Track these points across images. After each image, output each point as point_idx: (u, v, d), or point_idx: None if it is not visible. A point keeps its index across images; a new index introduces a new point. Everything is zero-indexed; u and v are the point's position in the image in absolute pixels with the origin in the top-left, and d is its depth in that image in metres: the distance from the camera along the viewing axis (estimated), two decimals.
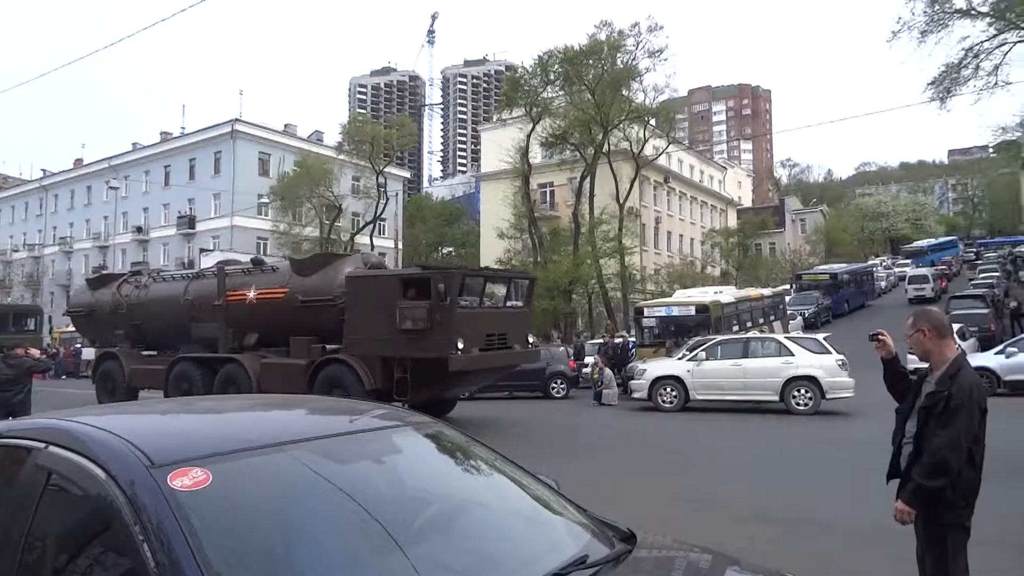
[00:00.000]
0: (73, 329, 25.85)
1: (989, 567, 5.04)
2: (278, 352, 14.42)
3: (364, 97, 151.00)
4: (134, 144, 58.10)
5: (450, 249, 65.55)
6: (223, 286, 15.04)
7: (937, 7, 22.35)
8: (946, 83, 23.69)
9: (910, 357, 4.68)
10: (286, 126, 54.42)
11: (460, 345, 11.81)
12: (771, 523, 6.45)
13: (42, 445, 2.21)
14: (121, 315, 17.36)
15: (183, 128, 56.77)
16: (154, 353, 17.26)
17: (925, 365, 3.61)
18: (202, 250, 43.48)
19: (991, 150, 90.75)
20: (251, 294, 14.70)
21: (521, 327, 14.10)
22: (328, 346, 13.53)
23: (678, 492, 7.72)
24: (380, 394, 12.46)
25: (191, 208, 50.86)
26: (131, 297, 17.41)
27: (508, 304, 13.91)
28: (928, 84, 24.29)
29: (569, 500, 2.69)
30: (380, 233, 48.05)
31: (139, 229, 53.85)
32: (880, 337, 3.71)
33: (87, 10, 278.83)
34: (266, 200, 46.09)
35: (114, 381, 16.98)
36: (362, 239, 44.71)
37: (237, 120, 49.40)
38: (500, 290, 13.91)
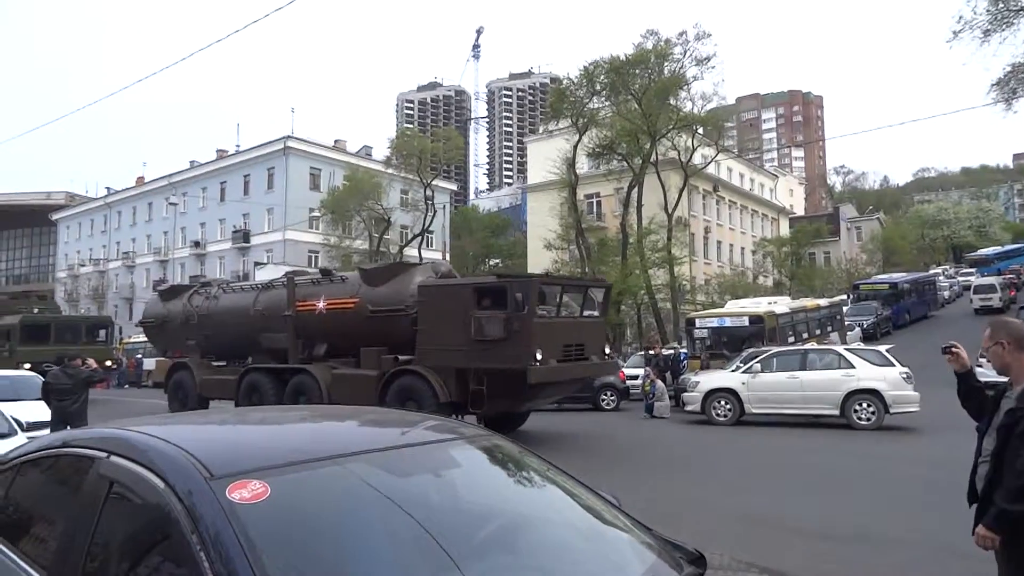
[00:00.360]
0: (135, 340, 26.76)
1: None
2: (348, 363, 14.24)
3: (411, 112, 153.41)
4: (191, 162, 60.23)
5: (497, 260, 65.76)
6: (293, 296, 14.94)
7: (1001, 5, 21.48)
8: (1012, 84, 22.72)
9: (980, 371, 4.34)
10: (336, 142, 55.60)
11: (538, 356, 11.47)
12: (837, 542, 6.16)
13: (104, 455, 2.22)
14: (192, 326, 17.51)
15: (238, 146, 58.59)
16: (223, 364, 17.46)
17: (1004, 379, 3.36)
18: (256, 263, 44.65)
19: None
20: (321, 304, 14.57)
21: (598, 338, 13.71)
22: (400, 357, 13.27)
23: (738, 510, 7.46)
24: (454, 406, 12.35)
25: (245, 222, 52.27)
26: (201, 308, 17.51)
27: (585, 314, 13.48)
28: (992, 85, 23.37)
29: (632, 517, 2.57)
30: (428, 245, 48.52)
31: (196, 243, 55.61)
32: (954, 350, 3.49)
33: (144, 33, 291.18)
34: (317, 214, 47.06)
35: (185, 391, 17.09)
36: (410, 251, 45.20)
37: (289, 137, 50.68)
38: (576, 299, 13.50)
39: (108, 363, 25.26)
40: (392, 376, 12.98)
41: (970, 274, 52.02)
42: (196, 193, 55.76)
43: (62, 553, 2.13)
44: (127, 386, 28.76)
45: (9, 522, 2.62)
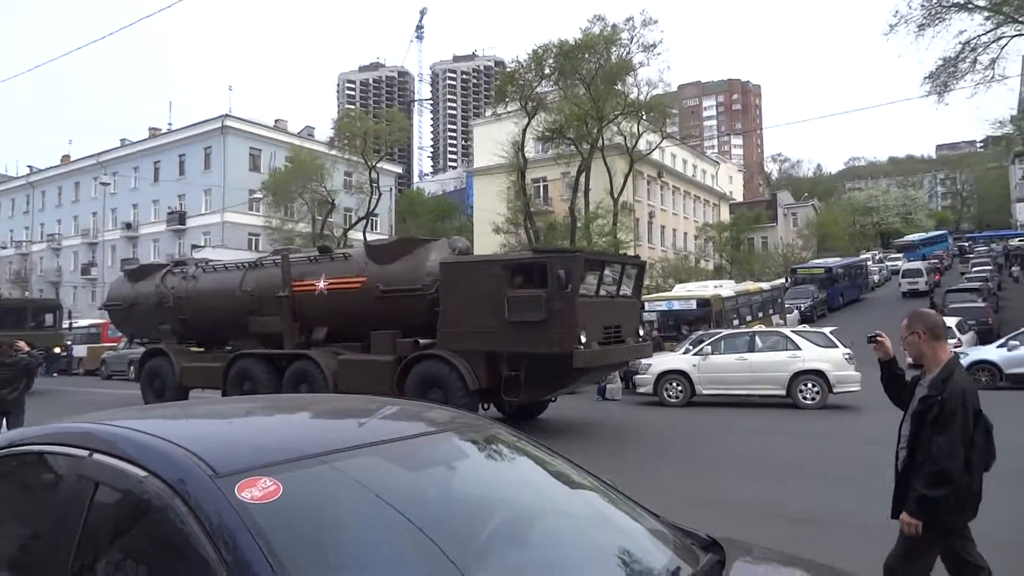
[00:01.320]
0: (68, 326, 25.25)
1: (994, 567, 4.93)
2: (353, 348, 13.17)
3: (353, 93, 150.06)
4: (122, 140, 57.49)
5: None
6: (288, 275, 13.74)
7: (935, 1, 22.32)
8: (943, 77, 23.70)
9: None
10: (276, 121, 53.98)
11: (583, 339, 10.53)
12: (798, 523, 6.31)
13: (85, 453, 2.01)
14: (167, 308, 16.06)
15: (170, 124, 56.31)
16: (201, 349, 16.27)
17: (917, 368, 3.55)
18: (193, 246, 43.08)
19: (979, 145, 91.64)
20: (321, 284, 13.36)
21: (633, 319, 12.85)
22: (421, 341, 12.22)
23: (700, 492, 7.57)
24: (485, 394, 11.60)
25: (181, 204, 50.36)
26: (178, 289, 16.03)
27: (620, 292, 12.43)
28: (925, 78, 24.33)
29: (640, 504, 2.52)
30: (373, 228, 47.77)
31: (128, 225, 53.30)
32: (879, 338, 3.64)
33: (71, 5, 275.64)
34: (258, 196, 45.69)
35: (163, 380, 15.72)
36: (355, 234, 44.41)
37: (227, 116, 48.93)
38: (610, 277, 12.27)
39: (58, 350, 23.78)
40: (411, 362, 11.92)
41: (897, 259, 54.49)
42: (127, 173, 53.33)
43: (41, 568, 1.92)
44: (55, 375, 27.29)
45: None
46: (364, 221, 44.39)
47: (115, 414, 2.45)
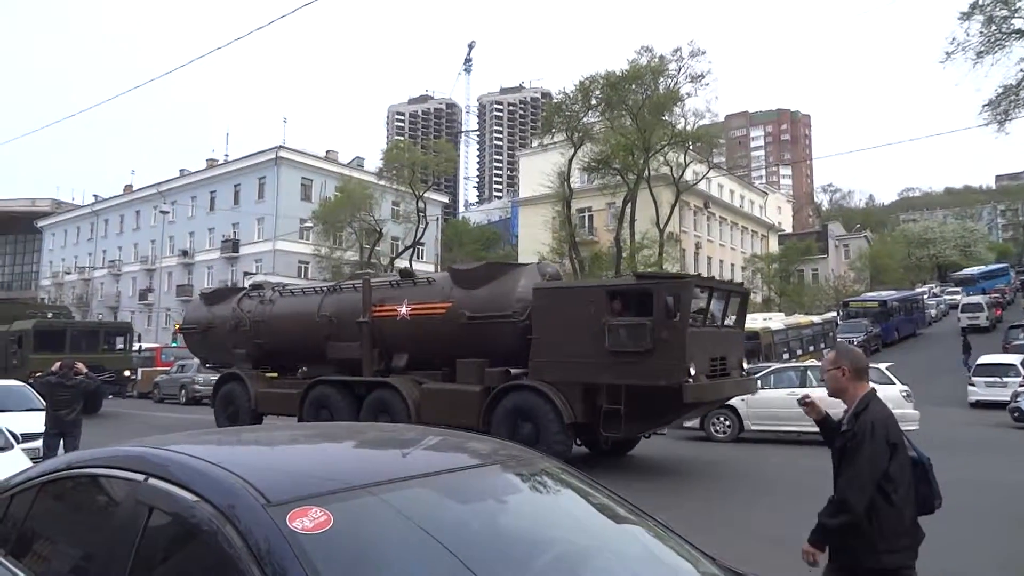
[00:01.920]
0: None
1: None
2: (434, 376, 12.68)
3: (402, 124, 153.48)
4: (181, 171, 59.79)
5: None
6: (368, 300, 13.32)
7: (994, 28, 21.77)
8: (1003, 105, 23.00)
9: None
10: (328, 152, 55.42)
11: (692, 371, 9.86)
12: None
13: (141, 477, 2.05)
14: (242, 332, 15.70)
15: (226, 155, 58.32)
16: (275, 375, 15.76)
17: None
18: (246, 273, 44.24)
19: None
20: (403, 309, 12.85)
21: (737, 351, 12.09)
22: (512, 371, 11.56)
23: (760, 529, 7.32)
24: (580, 428, 10.98)
25: (235, 232, 51.85)
26: (254, 313, 15.67)
27: (725, 323, 11.73)
28: (984, 106, 23.64)
29: (692, 544, 2.44)
30: (419, 257, 48.35)
31: (185, 253, 55.09)
32: (806, 400, 3.60)
33: (135, 42, 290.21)
34: (308, 224, 46.82)
35: (236, 406, 15.29)
36: (401, 263, 45.02)
37: (281, 147, 50.45)
38: (716, 306, 11.54)
39: (128, 372, 24.33)
40: (501, 392, 11.26)
41: (956, 293, 52.55)
42: (185, 202, 55.30)
43: None
44: (110, 397, 28.14)
45: (28, 552, 2.43)
46: (410, 250, 44.97)
47: (168, 439, 2.49)
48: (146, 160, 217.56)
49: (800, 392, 14.18)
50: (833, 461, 3.36)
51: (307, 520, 1.72)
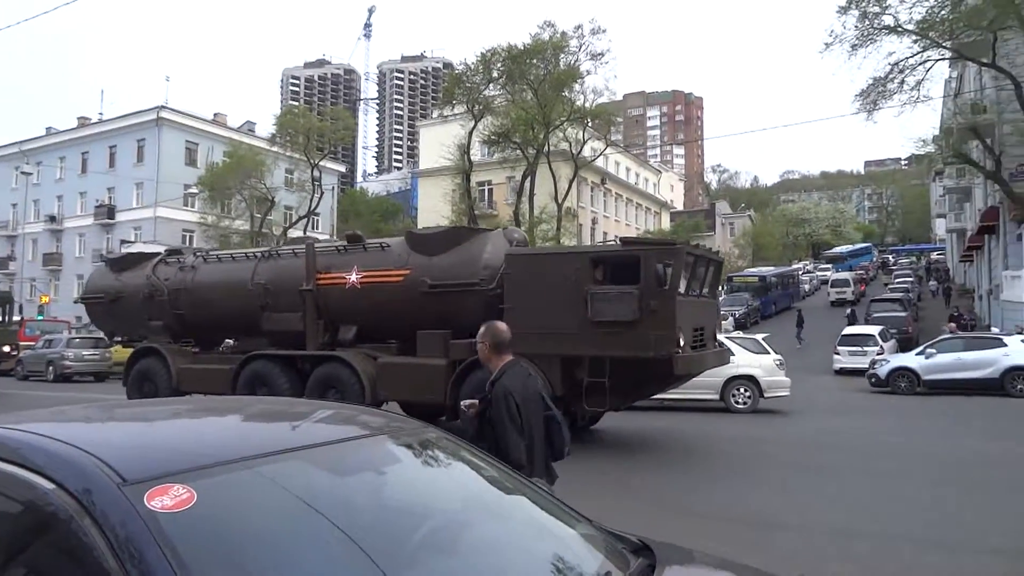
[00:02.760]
0: None
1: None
2: (386, 349, 11.94)
3: (297, 89, 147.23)
4: (48, 129, 54.83)
5: None
6: (313, 267, 12.32)
7: (867, 22, 23.32)
8: (873, 96, 24.76)
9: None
10: (216, 115, 52.50)
11: (682, 342, 9.54)
12: (748, 525, 6.46)
13: None
14: (159, 302, 14.25)
15: (101, 114, 54.02)
16: (196, 349, 14.64)
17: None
18: (123, 241, 41.45)
19: (904, 162, 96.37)
20: (353, 277, 11.93)
21: (712, 321, 11.90)
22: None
23: (637, 491, 7.67)
24: (560, 402, 10.29)
25: (111, 197, 48.42)
26: (173, 281, 14.26)
27: (703, 292, 11.31)
28: (856, 96, 25.38)
29: (573, 509, 2.51)
30: (314, 227, 46.91)
31: (52, 218, 50.89)
32: (469, 411, 4.04)
33: None
34: (193, 191, 44.33)
35: (155, 383, 13.94)
36: (295, 233, 43.55)
37: (163, 107, 47.35)
38: (693, 275, 10.95)
39: (7, 349, 21.74)
40: (469, 366, 10.52)
41: (827, 270, 56.77)
42: (53, 163, 50.86)
43: None
44: None
45: None
46: (305, 220, 43.59)
47: (13, 417, 2.28)
48: (6, 115, 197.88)
49: None
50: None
51: (167, 498, 1.62)
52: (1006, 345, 17.29)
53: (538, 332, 9.82)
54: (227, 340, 14.36)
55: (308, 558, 1.75)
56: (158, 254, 15.88)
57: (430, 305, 11.16)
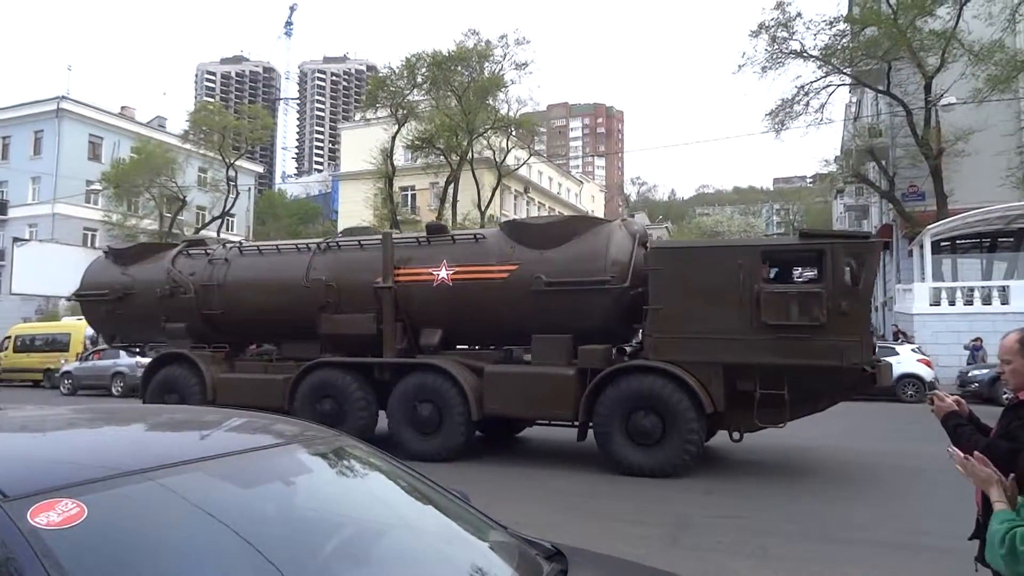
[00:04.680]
0: None
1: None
2: (483, 357, 10.55)
3: (213, 85, 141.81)
4: None
5: None
6: (391, 261, 10.65)
7: (776, 46, 24.60)
8: (780, 116, 26.12)
9: None
10: (123, 108, 49.88)
11: (876, 349, 8.44)
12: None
13: None
14: (183, 301, 12.22)
15: None
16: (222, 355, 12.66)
17: None
18: (16, 239, 38.67)
19: (809, 180, 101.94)
20: (442, 273, 10.39)
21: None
22: (626, 348, 9.87)
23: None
24: (716, 418, 9.04)
25: (3, 192, 45.20)
26: (201, 276, 12.27)
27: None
28: (766, 115, 26.72)
29: (487, 517, 2.51)
30: (228, 229, 45.32)
31: None
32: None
33: None
34: (97, 187, 41.97)
35: (183, 396, 11.86)
36: (208, 234, 41.89)
37: (64, 98, 44.62)
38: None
39: None
40: (609, 376, 9.13)
41: None
42: None
43: None
44: None
45: None
46: (219, 221, 42.06)
47: None
48: None
49: None
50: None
51: (54, 514, 1.53)
52: (898, 354, 18.46)
53: (694, 337, 8.77)
54: (264, 345, 12.59)
55: (212, 571, 1.69)
56: (172, 245, 13.87)
57: (544, 306, 9.73)
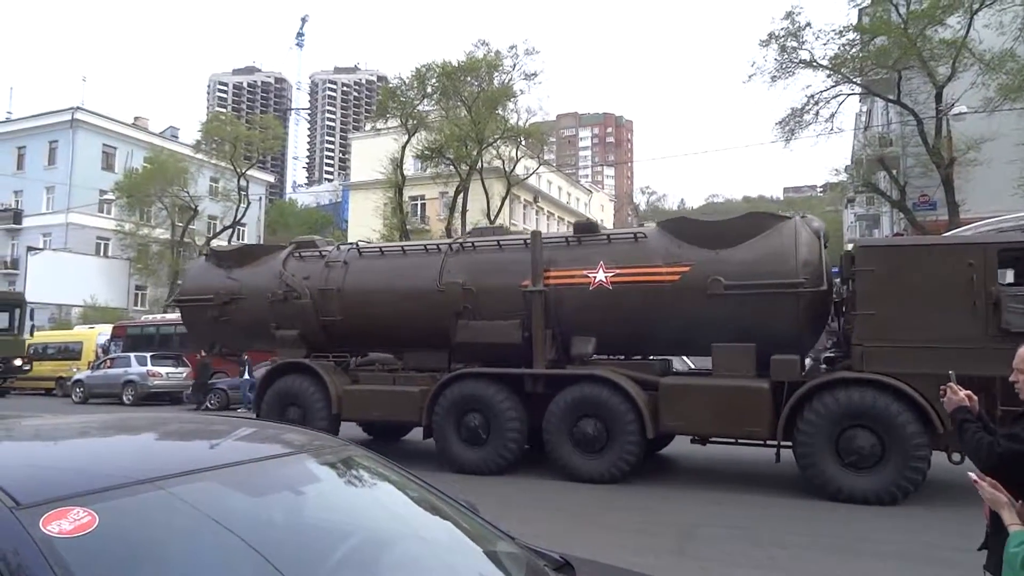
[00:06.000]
0: None
1: None
2: (641, 367, 9.67)
3: (225, 95, 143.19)
4: None
5: None
6: (540, 263, 9.81)
7: (785, 56, 24.55)
8: (791, 125, 26.03)
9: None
10: (136, 119, 50.46)
11: None
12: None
13: None
14: (297, 307, 11.38)
15: (10, 113, 51.17)
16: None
17: None
18: (30, 248, 39.11)
19: (819, 189, 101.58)
20: (599, 275, 9.53)
21: None
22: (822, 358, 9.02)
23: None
24: (934, 439, 7.94)
25: (17, 201, 45.74)
26: (317, 279, 11.45)
27: None
28: (776, 124, 26.62)
29: (496, 527, 2.51)
30: (240, 238, 45.57)
31: None
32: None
33: None
34: (110, 197, 42.42)
35: (304, 408, 10.96)
36: (219, 243, 42.23)
37: (78, 108, 45.20)
38: None
39: (18, 361, 18.48)
40: (813, 390, 8.30)
41: None
42: None
43: None
44: None
45: None
46: (231, 230, 42.36)
47: None
48: None
49: None
50: None
51: (65, 523, 1.54)
52: None
53: (917, 346, 7.86)
54: (392, 355, 11.89)
55: None
56: (278, 246, 13.14)
57: (722, 311, 8.90)
